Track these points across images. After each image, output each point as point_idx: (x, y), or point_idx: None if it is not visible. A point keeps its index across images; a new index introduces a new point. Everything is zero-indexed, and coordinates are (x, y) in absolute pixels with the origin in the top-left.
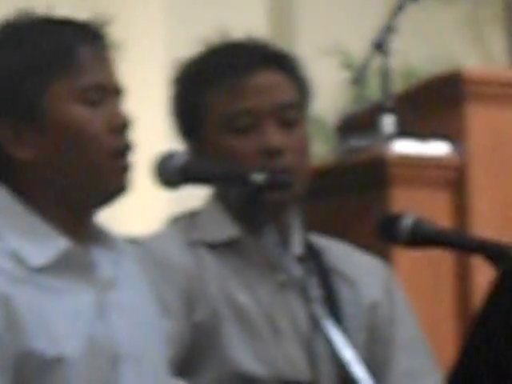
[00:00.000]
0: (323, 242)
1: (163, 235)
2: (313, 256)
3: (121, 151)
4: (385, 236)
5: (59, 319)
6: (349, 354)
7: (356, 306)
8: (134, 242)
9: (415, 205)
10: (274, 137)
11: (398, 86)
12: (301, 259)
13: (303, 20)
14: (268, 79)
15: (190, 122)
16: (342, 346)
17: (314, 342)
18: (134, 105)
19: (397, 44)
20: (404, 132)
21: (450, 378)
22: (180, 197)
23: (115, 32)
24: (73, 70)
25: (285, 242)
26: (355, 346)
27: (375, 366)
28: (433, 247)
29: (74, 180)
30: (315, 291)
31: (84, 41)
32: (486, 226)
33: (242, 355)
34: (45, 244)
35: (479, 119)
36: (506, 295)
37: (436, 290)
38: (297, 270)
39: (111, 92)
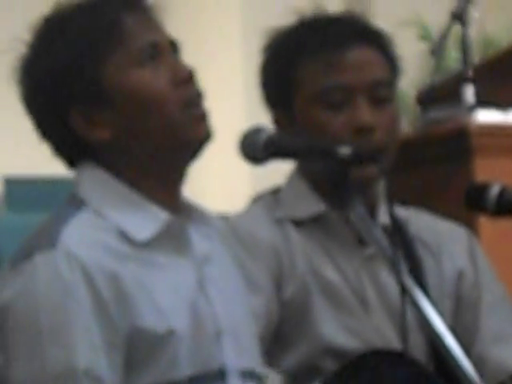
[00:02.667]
0: (405, 213)
1: (249, 213)
2: (396, 227)
3: (192, 101)
4: (472, 206)
5: (165, 294)
6: (439, 324)
7: (440, 276)
8: (223, 218)
9: (499, 174)
10: (366, 114)
11: (477, 55)
12: (386, 230)
13: None
14: (363, 55)
15: (281, 93)
16: (432, 316)
17: (404, 313)
18: (214, 79)
19: (474, 13)
20: (485, 101)
21: None
22: (262, 173)
23: (193, 7)
24: (121, 39)
25: (371, 214)
26: (441, 313)
27: (463, 332)
28: None
29: (155, 143)
30: (402, 262)
31: (125, 9)
32: None
33: (333, 330)
34: (147, 218)
35: None
36: None
37: None
38: (385, 242)
39: (166, 47)
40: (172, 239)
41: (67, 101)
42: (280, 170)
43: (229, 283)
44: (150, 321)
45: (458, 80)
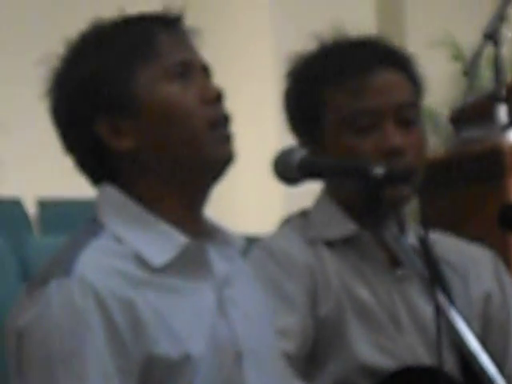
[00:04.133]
0: (431, 235)
1: (282, 234)
2: (427, 248)
3: (219, 121)
4: (505, 225)
5: (182, 319)
6: (474, 343)
7: (467, 297)
8: (247, 238)
9: None
10: (395, 137)
11: (510, 75)
12: (414, 251)
13: (413, 12)
14: (388, 79)
15: (306, 120)
16: (466, 335)
17: (439, 332)
18: (246, 101)
19: (507, 33)
20: None
21: None
22: (295, 194)
23: (224, 30)
24: (154, 53)
25: (402, 234)
26: (474, 334)
27: (492, 354)
28: None
29: (178, 158)
30: (437, 282)
31: (161, 27)
32: None
33: (367, 348)
34: (164, 242)
35: None
36: None
37: None
38: (418, 262)
39: (197, 68)
40: (191, 263)
41: (95, 108)
42: (313, 191)
43: (251, 304)
44: (165, 347)
45: (491, 100)
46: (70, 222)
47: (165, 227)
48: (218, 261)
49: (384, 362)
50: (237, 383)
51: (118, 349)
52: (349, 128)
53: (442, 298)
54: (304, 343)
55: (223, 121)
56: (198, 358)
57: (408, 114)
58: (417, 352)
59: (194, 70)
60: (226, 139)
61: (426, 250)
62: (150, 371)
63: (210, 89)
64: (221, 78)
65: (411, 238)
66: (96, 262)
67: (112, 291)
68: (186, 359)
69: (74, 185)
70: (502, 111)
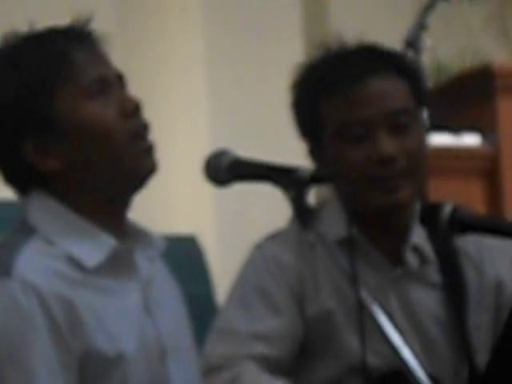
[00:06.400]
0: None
1: (280, 238)
2: (438, 241)
3: (139, 133)
4: (425, 223)
5: (115, 318)
6: (396, 337)
7: (481, 288)
8: (165, 238)
9: (451, 194)
10: (386, 146)
11: (430, 81)
12: (417, 250)
13: (336, 19)
14: (379, 87)
15: (310, 128)
16: (389, 329)
17: (431, 331)
18: (178, 102)
19: (427, 41)
20: (437, 125)
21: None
22: (225, 195)
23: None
24: (71, 72)
25: (403, 236)
26: (478, 327)
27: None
28: (471, 233)
29: (103, 174)
30: (435, 277)
31: (74, 43)
32: None
33: (357, 350)
34: (95, 245)
35: (509, 111)
36: None
37: None
38: (415, 261)
39: (114, 81)
40: (120, 264)
41: (20, 132)
42: (243, 192)
43: (170, 303)
44: (101, 345)
45: (422, 99)
46: (5, 223)
47: (95, 231)
48: (143, 262)
49: (374, 361)
50: (161, 379)
51: (60, 346)
52: (343, 138)
53: (365, 293)
54: (292, 345)
55: (143, 132)
56: (130, 356)
57: (402, 121)
58: (413, 351)
59: (111, 84)
60: (148, 151)
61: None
62: (88, 366)
63: (128, 102)
64: (152, 77)
65: (416, 238)
66: (34, 263)
67: (52, 290)
68: (120, 357)
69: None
70: (422, 115)
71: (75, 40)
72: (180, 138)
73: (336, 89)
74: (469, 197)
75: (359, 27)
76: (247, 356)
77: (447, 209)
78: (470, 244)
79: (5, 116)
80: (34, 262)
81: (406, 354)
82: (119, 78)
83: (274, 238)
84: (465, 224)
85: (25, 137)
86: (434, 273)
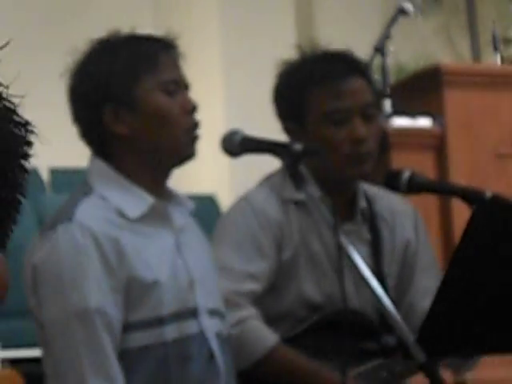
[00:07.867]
0: (373, 191)
1: (261, 191)
2: (367, 204)
3: (192, 127)
4: (390, 186)
5: (152, 254)
6: (368, 274)
7: (392, 245)
8: (197, 198)
9: (409, 165)
10: (361, 129)
11: (392, 78)
12: (363, 213)
13: (322, 32)
14: (357, 84)
15: (293, 112)
16: (365, 271)
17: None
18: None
19: (390, 47)
20: (398, 111)
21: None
22: (238, 164)
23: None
24: (155, 69)
25: (353, 200)
26: (390, 275)
27: (402, 285)
28: (425, 193)
29: (157, 148)
30: (366, 234)
31: (162, 48)
32: (460, 178)
33: (311, 288)
34: (138, 201)
35: (453, 100)
36: (478, 229)
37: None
38: (358, 220)
39: (182, 85)
40: (157, 216)
41: (107, 99)
42: (252, 162)
43: (199, 246)
44: (141, 273)
45: (379, 96)
46: (73, 185)
47: (139, 191)
48: (176, 216)
49: (320, 299)
50: (191, 301)
51: (109, 272)
52: (327, 122)
53: (344, 241)
54: (268, 283)
55: (195, 127)
56: (163, 283)
57: (371, 111)
58: (347, 292)
59: (180, 87)
60: (194, 141)
61: (365, 209)
62: (131, 289)
63: (189, 102)
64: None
65: (361, 202)
66: (90, 213)
67: (103, 232)
68: (156, 283)
69: (76, 157)
70: (387, 104)
71: (164, 47)
72: (203, 122)
73: (324, 81)
74: (423, 167)
75: (339, 35)
76: (242, 293)
77: (406, 174)
78: (385, 210)
79: (101, 84)
80: (90, 212)
81: (376, 286)
82: (186, 85)
83: (258, 192)
84: (420, 185)
85: (107, 102)
86: (365, 231)
